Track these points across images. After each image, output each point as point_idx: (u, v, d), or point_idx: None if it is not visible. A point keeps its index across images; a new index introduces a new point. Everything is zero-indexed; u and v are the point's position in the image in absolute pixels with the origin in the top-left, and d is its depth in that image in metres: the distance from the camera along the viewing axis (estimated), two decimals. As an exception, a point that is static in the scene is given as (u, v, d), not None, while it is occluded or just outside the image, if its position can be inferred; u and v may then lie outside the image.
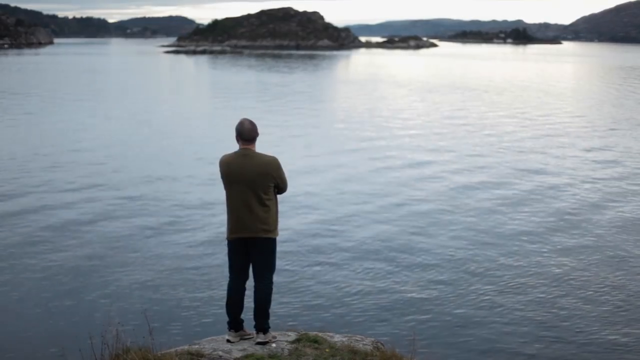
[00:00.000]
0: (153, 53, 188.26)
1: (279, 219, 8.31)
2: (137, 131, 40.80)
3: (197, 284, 16.18)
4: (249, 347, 8.15)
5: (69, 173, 28.05)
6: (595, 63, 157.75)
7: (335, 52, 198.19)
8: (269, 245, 8.12)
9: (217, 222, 21.28)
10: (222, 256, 18.08)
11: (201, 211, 22.62)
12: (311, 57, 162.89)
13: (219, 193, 25.09)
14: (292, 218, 21.53)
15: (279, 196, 8.32)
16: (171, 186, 26.01)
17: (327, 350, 8.31)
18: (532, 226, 21.45)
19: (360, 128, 42.93)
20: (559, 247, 19.47)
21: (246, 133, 8.08)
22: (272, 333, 8.41)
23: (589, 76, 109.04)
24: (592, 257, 18.61)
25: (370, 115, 49.97)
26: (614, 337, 13.78)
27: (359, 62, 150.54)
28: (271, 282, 8.32)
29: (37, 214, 22.01)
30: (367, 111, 52.32)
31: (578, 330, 14.08)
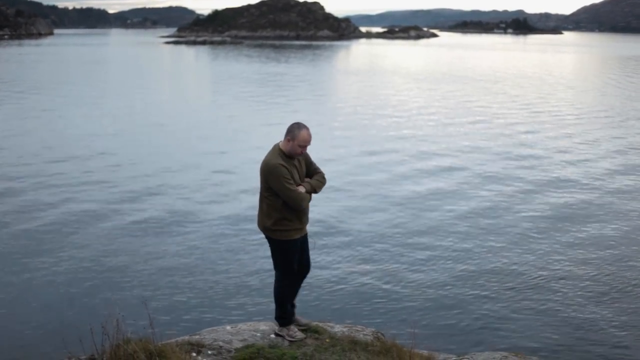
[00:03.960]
0: (153, 44, 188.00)
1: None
2: (138, 124, 40.76)
3: (198, 275, 16.18)
4: (249, 337, 8.16)
5: (68, 167, 28.02)
6: (597, 53, 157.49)
7: (335, 43, 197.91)
8: (270, 242, 8.12)
9: (219, 215, 21.32)
10: (223, 248, 18.12)
11: (204, 205, 22.62)
12: (311, 47, 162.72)
13: (221, 187, 25.00)
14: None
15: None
16: (173, 180, 25.97)
17: (327, 340, 8.31)
18: (537, 221, 21.44)
19: (362, 118, 42.89)
20: (564, 242, 19.49)
21: None
22: (289, 329, 8.37)
23: (593, 67, 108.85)
24: (597, 252, 18.63)
25: (371, 105, 49.90)
26: (619, 337, 13.82)
27: (360, 52, 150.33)
28: (278, 281, 8.35)
29: (38, 209, 22.01)
30: (369, 101, 52.25)
31: (582, 323, 14.11)
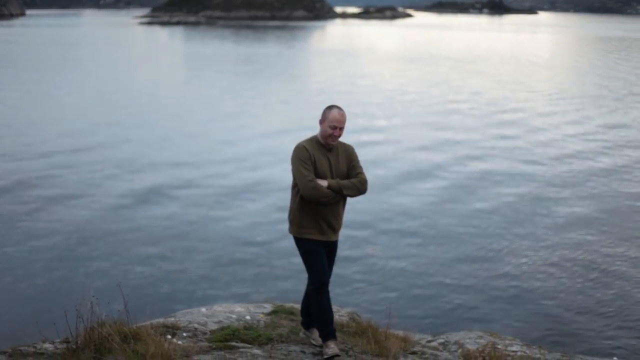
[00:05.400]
0: (127, 25, 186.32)
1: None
2: (113, 106, 40.48)
3: (172, 258, 16.14)
4: (224, 319, 8.14)
5: (34, 150, 27.83)
6: (570, 34, 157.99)
7: (310, 23, 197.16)
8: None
9: (193, 200, 21.25)
10: (197, 232, 18.08)
11: (177, 189, 22.55)
12: (286, 28, 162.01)
13: (193, 171, 24.89)
14: (263, 188, 21.54)
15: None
16: (144, 164, 25.83)
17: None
18: (512, 206, 21.60)
19: (342, 99, 42.88)
20: (541, 227, 19.65)
21: None
22: (312, 332, 7.60)
23: (565, 47, 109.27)
24: (575, 236, 18.81)
25: (350, 86, 49.88)
26: (592, 320, 13.95)
27: (335, 33, 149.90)
28: (308, 286, 7.54)
29: (11, 191, 21.85)
30: (346, 82, 52.21)
31: (554, 305, 14.24)
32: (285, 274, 15.14)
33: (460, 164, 25.88)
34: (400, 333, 8.63)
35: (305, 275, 7.31)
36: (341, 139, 7.26)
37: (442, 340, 8.80)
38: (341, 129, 7.06)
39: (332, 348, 7.17)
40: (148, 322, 7.69)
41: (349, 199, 7.18)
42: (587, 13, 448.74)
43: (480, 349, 7.92)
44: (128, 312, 6.95)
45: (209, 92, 45.50)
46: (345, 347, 7.41)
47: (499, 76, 57.97)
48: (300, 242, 7.29)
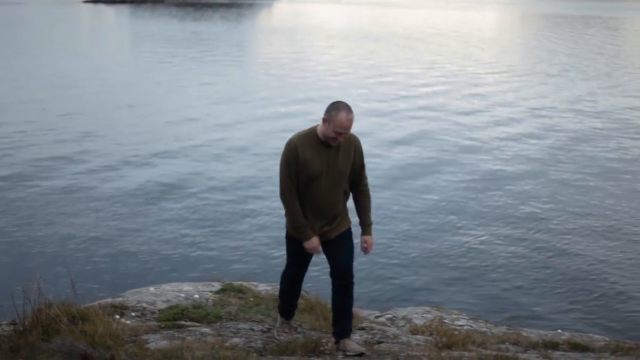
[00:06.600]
0: (71, 3, 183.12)
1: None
2: (53, 88, 39.85)
3: (119, 238, 16.03)
4: (172, 298, 8.15)
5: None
6: (517, 11, 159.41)
7: (257, 1, 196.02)
8: None
9: (140, 180, 21.12)
10: (144, 212, 17.97)
11: (124, 169, 22.37)
12: (233, 6, 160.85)
13: (140, 152, 24.66)
14: (217, 166, 21.51)
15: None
16: (92, 146, 25.48)
17: (251, 299, 8.36)
18: (461, 183, 21.82)
19: (288, 76, 42.80)
20: (489, 203, 19.90)
21: None
22: (281, 324, 7.31)
23: (511, 25, 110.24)
24: (521, 216, 19.07)
25: (290, 65, 49.78)
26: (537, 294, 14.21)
27: (282, 11, 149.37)
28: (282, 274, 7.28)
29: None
30: (294, 61, 52.11)
31: (505, 281, 14.47)
32: (234, 252, 15.14)
33: (399, 144, 26.07)
34: (349, 309, 8.71)
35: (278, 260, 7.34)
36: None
37: (390, 316, 8.92)
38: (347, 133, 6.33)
39: (286, 333, 7.18)
40: (96, 303, 7.66)
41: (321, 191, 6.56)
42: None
43: (427, 324, 8.05)
44: (76, 292, 6.90)
45: (148, 72, 45.00)
46: (294, 323, 7.47)
47: (425, 54, 58.34)
48: (288, 239, 6.96)
